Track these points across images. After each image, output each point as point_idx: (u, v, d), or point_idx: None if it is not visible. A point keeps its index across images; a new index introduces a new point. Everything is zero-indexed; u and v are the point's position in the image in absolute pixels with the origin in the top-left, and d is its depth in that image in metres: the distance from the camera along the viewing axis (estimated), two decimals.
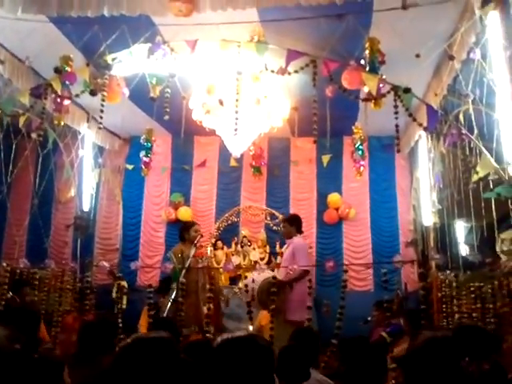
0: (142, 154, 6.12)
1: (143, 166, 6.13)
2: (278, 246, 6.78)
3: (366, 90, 4.00)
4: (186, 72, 4.48)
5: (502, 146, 3.56)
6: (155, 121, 6.19)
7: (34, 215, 6.12)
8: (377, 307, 4.77)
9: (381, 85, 3.89)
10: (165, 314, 3.99)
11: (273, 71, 3.91)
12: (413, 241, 6.41)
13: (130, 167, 7.15)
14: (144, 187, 7.35)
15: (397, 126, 3.78)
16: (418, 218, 6.34)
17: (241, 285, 6.33)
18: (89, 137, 6.40)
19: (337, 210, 6.81)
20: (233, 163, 6.85)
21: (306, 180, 7.09)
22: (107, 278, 6.38)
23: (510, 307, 3.32)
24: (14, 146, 5.20)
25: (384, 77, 3.94)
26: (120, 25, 3.88)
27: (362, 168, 5.65)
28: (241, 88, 4.05)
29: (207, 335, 4.22)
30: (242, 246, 6.85)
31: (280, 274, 4.52)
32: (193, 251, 4.46)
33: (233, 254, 6.79)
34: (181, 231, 4.85)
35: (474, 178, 3.44)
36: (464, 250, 5.52)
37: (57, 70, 4.06)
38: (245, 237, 6.89)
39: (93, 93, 4.08)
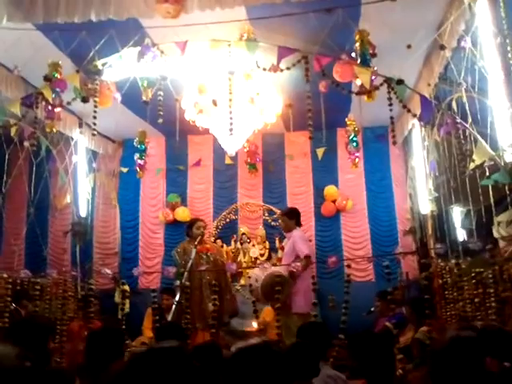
0: (136, 156, 6.10)
1: (138, 169, 6.11)
2: (277, 242, 6.80)
3: (358, 82, 4.00)
4: (178, 73, 4.46)
5: (496, 132, 3.58)
6: (147, 123, 6.18)
7: (31, 224, 6.07)
8: (379, 298, 4.82)
9: (373, 77, 3.90)
10: (170, 317, 3.99)
11: (264, 69, 3.90)
12: (411, 229, 6.45)
13: (125, 170, 7.13)
14: (140, 189, 7.32)
15: (391, 118, 3.79)
16: (415, 207, 6.39)
17: (243, 282, 6.36)
18: (82, 142, 6.36)
19: (334, 202, 6.83)
20: (228, 161, 6.85)
21: (302, 174, 7.09)
22: (108, 282, 6.37)
23: None
24: (6, 156, 5.15)
25: (376, 69, 3.95)
26: (108, 29, 3.84)
27: (357, 159, 5.67)
28: (233, 87, 4.03)
29: (212, 331, 4.25)
30: (241, 244, 6.86)
31: (282, 269, 4.53)
32: (194, 251, 4.46)
33: (233, 253, 6.78)
34: (186, 228, 4.90)
35: (471, 165, 3.46)
36: (462, 235, 5.57)
37: (46, 78, 4.02)
38: (244, 234, 6.90)
39: (85, 100, 4.05)
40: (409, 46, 3.63)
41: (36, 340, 2.67)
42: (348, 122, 5.68)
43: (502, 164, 3.28)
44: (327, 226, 6.91)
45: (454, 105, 4.10)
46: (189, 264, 4.36)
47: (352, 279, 5.89)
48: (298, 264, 3.84)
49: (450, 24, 3.66)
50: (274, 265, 4.72)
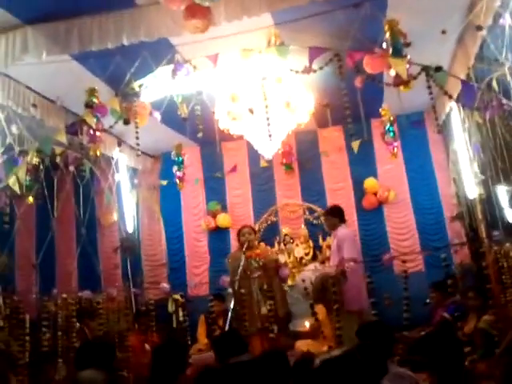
0: (175, 169, 6.26)
1: (178, 181, 6.26)
2: (320, 239, 6.77)
3: (392, 73, 3.94)
4: (210, 86, 4.53)
5: None
6: (182, 135, 6.32)
7: (83, 243, 6.32)
8: (434, 288, 4.72)
9: (407, 65, 3.84)
10: (227, 324, 4.07)
11: (297, 72, 3.90)
12: (458, 215, 6.27)
13: (165, 183, 7.28)
14: (180, 200, 7.48)
15: (434, 107, 3.71)
16: (461, 191, 6.20)
17: (290, 282, 6.38)
18: (122, 160, 6.56)
19: (375, 194, 6.73)
20: (263, 164, 6.86)
21: (339, 169, 7.03)
22: (160, 293, 6.54)
23: None
24: (55, 181, 5.39)
25: (409, 57, 3.88)
26: (141, 51, 3.95)
27: (395, 149, 5.58)
28: (266, 92, 4.06)
29: (270, 335, 4.30)
30: (285, 245, 6.87)
31: (332, 268, 4.53)
32: (242, 257, 4.53)
33: (277, 254, 6.81)
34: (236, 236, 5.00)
35: None
36: (510, 214, 5.38)
37: (88, 105, 4.18)
38: (286, 235, 6.91)
39: (126, 122, 4.18)
40: (443, 32, 3.54)
41: (104, 359, 2.80)
42: (383, 113, 5.59)
43: None
44: (370, 219, 6.81)
45: (494, 84, 3.98)
46: (238, 270, 4.43)
47: (401, 271, 5.86)
48: (352, 264, 3.82)
49: (484, 2, 3.54)
50: (323, 263, 4.70)
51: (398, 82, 3.74)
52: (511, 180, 4.59)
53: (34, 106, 4.32)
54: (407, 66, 3.80)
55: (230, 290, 4.34)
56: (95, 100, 4.40)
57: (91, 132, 4.50)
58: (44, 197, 5.33)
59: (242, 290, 4.09)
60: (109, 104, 4.22)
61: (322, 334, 4.28)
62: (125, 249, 6.63)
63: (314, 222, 6.93)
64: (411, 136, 6.73)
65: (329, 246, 6.06)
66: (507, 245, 4.42)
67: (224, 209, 7.32)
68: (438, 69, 3.62)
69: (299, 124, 5.40)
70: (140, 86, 4.12)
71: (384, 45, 3.94)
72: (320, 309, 5.19)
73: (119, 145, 5.98)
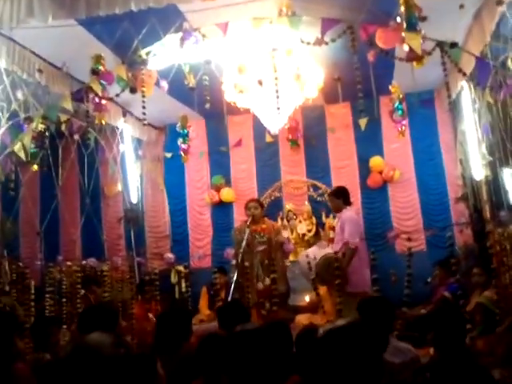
0: (180, 141, 6.20)
1: (182, 153, 6.22)
2: (324, 217, 6.78)
3: (405, 48, 3.85)
4: (219, 56, 4.44)
5: None
6: (187, 106, 6.23)
7: (86, 213, 6.34)
8: (439, 266, 4.75)
9: (421, 40, 3.74)
10: (230, 295, 4.12)
11: (309, 43, 3.81)
12: (463, 196, 6.25)
13: (169, 155, 7.26)
14: (185, 173, 7.46)
15: (447, 83, 3.64)
16: (467, 172, 6.17)
17: (291, 258, 6.42)
18: (127, 131, 6.52)
19: (380, 173, 6.70)
20: (269, 139, 6.81)
21: (345, 146, 6.97)
22: (163, 263, 6.60)
23: None
24: (60, 150, 5.37)
25: (423, 32, 3.78)
26: (149, 18, 3.85)
27: (403, 128, 5.51)
28: (276, 64, 3.98)
29: (262, 311, 4.36)
30: (288, 221, 6.88)
31: (334, 248, 4.53)
32: (247, 231, 4.54)
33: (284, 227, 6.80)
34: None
35: None
36: None
37: (94, 72, 4.11)
38: (290, 211, 6.91)
39: (133, 90, 4.12)
40: (461, 6, 3.43)
41: (108, 324, 2.84)
42: (392, 90, 5.50)
43: None
44: (374, 198, 6.80)
45: (509, 63, 3.89)
46: (243, 244, 4.45)
47: (403, 250, 5.89)
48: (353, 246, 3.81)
49: None
50: (332, 241, 4.68)
51: (411, 57, 3.65)
52: None
53: (40, 71, 4.25)
54: (421, 41, 3.71)
55: (233, 263, 4.37)
56: (101, 67, 4.33)
57: (97, 100, 4.45)
58: (49, 165, 5.32)
59: (246, 263, 4.11)
60: (115, 71, 4.14)
61: (322, 309, 4.32)
62: (128, 219, 6.66)
63: (318, 199, 6.92)
64: (419, 115, 6.64)
65: (332, 228, 6.05)
66: (511, 227, 4.42)
67: (228, 183, 7.31)
68: (454, 45, 3.53)
69: (307, 99, 5.32)
70: (147, 54, 4.04)
71: (398, 19, 3.84)
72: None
73: (124, 115, 5.92)
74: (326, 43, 3.77)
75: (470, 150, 5.94)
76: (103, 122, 4.69)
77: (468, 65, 4.32)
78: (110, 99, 4.32)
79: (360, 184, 6.84)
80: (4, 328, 2.30)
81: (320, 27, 3.75)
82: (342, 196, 4.72)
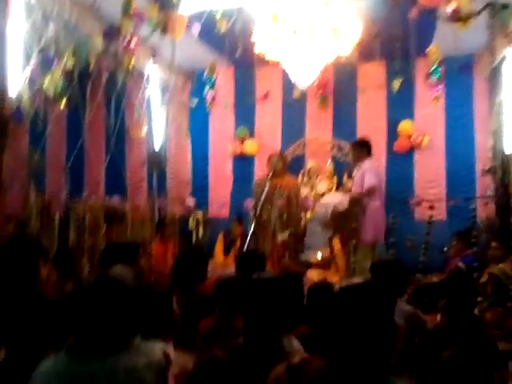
0: (207, 88, 6.14)
1: (208, 101, 6.16)
2: (345, 177, 6.73)
3: (450, 8, 3.62)
4: (253, 2, 4.27)
5: None
6: (216, 53, 6.09)
7: (111, 154, 6.43)
8: (458, 236, 4.73)
9: None
10: (245, 246, 4.21)
11: None
12: (491, 169, 6.07)
13: (195, 102, 7.19)
14: (209, 122, 7.42)
15: (492, 48, 3.44)
16: (498, 145, 5.96)
17: (308, 215, 6.45)
18: (154, 75, 6.45)
19: (409, 138, 6.53)
20: (296, 94, 6.67)
21: (375, 108, 6.76)
22: (183, 209, 6.73)
23: None
24: (88, 90, 5.37)
25: None
26: None
27: (439, 92, 5.31)
28: (312, 15, 3.81)
29: (282, 261, 4.45)
30: (309, 178, 6.86)
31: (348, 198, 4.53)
32: (267, 184, 4.56)
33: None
34: None
35: None
36: None
37: (125, 11, 4.02)
38: (311, 168, 6.87)
39: (164, 31, 4.04)
40: None
41: (129, 259, 2.95)
42: (431, 52, 5.25)
43: None
44: (399, 163, 6.66)
45: None
46: (262, 197, 4.48)
47: (422, 218, 5.85)
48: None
49: None
50: (350, 190, 4.69)
51: (456, 17, 3.44)
52: None
53: (71, 6, 4.17)
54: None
55: (251, 214, 4.43)
56: (133, 7, 4.23)
57: (126, 41, 4.39)
58: (76, 103, 5.34)
59: (264, 216, 4.16)
60: (147, 11, 4.05)
61: (335, 265, 4.39)
62: (152, 163, 6.74)
63: (342, 159, 6.84)
64: (456, 81, 6.35)
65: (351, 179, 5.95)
66: None
67: (252, 135, 7.26)
68: (506, 6, 3.30)
69: (340, 56, 5.13)
70: None
71: None
72: (335, 242, 5.31)
73: (153, 55, 5.82)
74: None
75: (504, 123, 5.71)
76: (131, 64, 4.63)
77: None
78: (141, 40, 4.24)
79: (386, 147, 6.70)
80: (29, 254, 2.42)
81: None
82: (365, 147, 4.69)
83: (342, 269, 4.38)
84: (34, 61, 4.15)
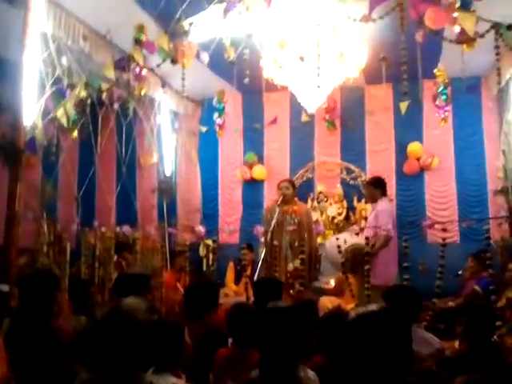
0: (216, 115, 6.21)
1: (217, 128, 6.23)
2: (355, 201, 6.69)
3: (456, 29, 3.66)
4: (261, 29, 4.37)
5: None
6: (224, 80, 6.19)
7: (122, 181, 6.49)
8: (474, 258, 4.63)
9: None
10: (256, 274, 4.16)
11: (355, 20, 3.68)
12: (503, 189, 6.01)
13: (204, 129, 7.28)
14: (218, 148, 7.48)
15: (498, 68, 3.45)
16: (509, 165, 5.91)
17: (319, 240, 6.39)
18: (164, 103, 6.56)
19: (418, 159, 6.51)
20: (304, 118, 6.71)
21: (383, 130, 6.79)
22: (193, 236, 6.71)
23: None
24: (100, 118, 5.47)
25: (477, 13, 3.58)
26: None
27: (446, 113, 5.31)
28: (319, 41, 3.88)
29: (290, 291, 4.38)
30: (318, 202, 6.84)
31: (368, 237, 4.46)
32: (277, 210, 4.54)
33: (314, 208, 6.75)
34: None
35: None
36: None
37: (136, 41, 4.13)
38: (321, 192, 6.86)
39: (173, 61, 4.12)
40: None
41: (141, 290, 2.92)
42: (438, 73, 5.28)
43: None
44: (409, 185, 6.64)
45: None
46: (272, 223, 4.45)
47: (435, 240, 5.76)
48: (384, 232, 3.75)
49: None
50: (357, 234, 4.63)
51: (462, 39, 3.47)
52: None
53: (84, 38, 4.30)
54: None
55: (262, 240, 4.39)
56: (144, 37, 4.34)
57: (138, 70, 4.48)
58: (88, 132, 5.43)
59: (275, 242, 4.12)
60: (157, 41, 4.15)
61: (350, 293, 4.30)
62: (162, 191, 6.78)
63: (351, 182, 6.82)
64: (464, 101, 6.37)
65: (365, 218, 5.92)
66: None
67: (261, 161, 7.29)
68: (511, 27, 3.32)
69: (347, 78, 5.18)
70: (190, 25, 4.01)
71: None
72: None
73: (163, 86, 5.95)
74: (374, 20, 3.63)
75: None
76: (142, 93, 4.72)
77: None
78: (151, 69, 4.33)
79: (396, 170, 6.68)
80: (45, 286, 2.41)
81: (368, 3, 3.60)
82: (379, 186, 4.62)
83: (356, 296, 4.29)
84: (48, 91, 4.25)
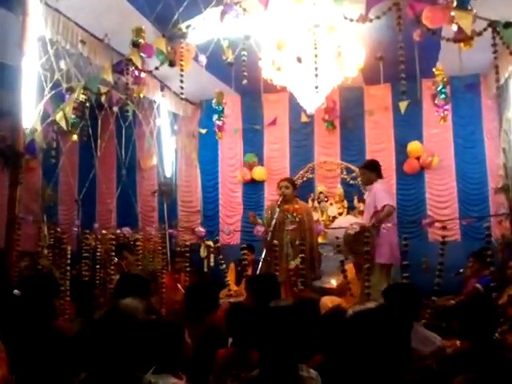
0: (215, 117, 6.21)
1: (217, 130, 6.23)
2: (355, 201, 6.69)
3: (454, 28, 3.67)
4: (258, 32, 4.38)
5: None
6: (223, 82, 6.20)
7: (122, 184, 6.50)
8: (474, 257, 4.62)
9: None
10: (257, 273, 4.16)
11: (352, 20, 3.69)
12: (503, 187, 6.00)
13: (204, 131, 7.29)
14: (218, 150, 7.50)
15: (496, 66, 3.45)
16: (510, 163, 5.91)
17: (321, 240, 6.38)
18: (164, 105, 6.58)
19: (418, 158, 6.51)
20: (304, 119, 6.73)
21: (383, 130, 6.79)
22: (193, 237, 6.72)
23: None
24: (99, 121, 5.49)
25: (474, 11, 3.59)
26: None
27: (445, 113, 5.31)
28: (316, 41, 3.88)
29: (294, 289, 4.37)
30: (319, 202, 6.84)
31: (365, 218, 4.47)
32: (277, 210, 4.54)
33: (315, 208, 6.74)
34: None
35: None
36: None
37: (134, 44, 4.14)
38: (321, 193, 6.86)
39: (172, 64, 4.14)
40: None
41: (141, 291, 2.93)
42: (436, 72, 5.28)
43: None
44: (410, 184, 6.64)
45: None
46: (272, 222, 4.46)
47: (436, 239, 5.75)
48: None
49: None
50: (362, 213, 4.61)
51: (460, 37, 3.47)
52: None
53: (82, 42, 4.32)
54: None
55: (262, 241, 4.40)
56: (142, 40, 4.35)
57: (136, 73, 4.50)
58: (88, 135, 5.45)
59: (275, 242, 4.13)
60: (155, 44, 4.16)
61: (349, 292, 4.29)
62: (162, 193, 6.79)
63: (351, 182, 6.83)
64: (463, 100, 6.38)
65: (365, 202, 5.91)
66: None
67: (260, 161, 7.30)
68: (508, 25, 3.32)
69: (346, 78, 5.18)
70: (187, 27, 4.02)
71: None
72: (349, 268, 5.20)
73: (162, 89, 5.96)
74: (371, 20, 3.64)
75: None
76: (141, 95, 4.74)
77: None
78: (149, 72, 4.36)
79: (396, 169, 6.69)
80: (44, 289, 2.42)
81: (364, 3, 3.61)
82: (374, 169, 4.60)
83: (356, 295, 4.28)
84: (47, 94, 4.27)
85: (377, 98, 6.72)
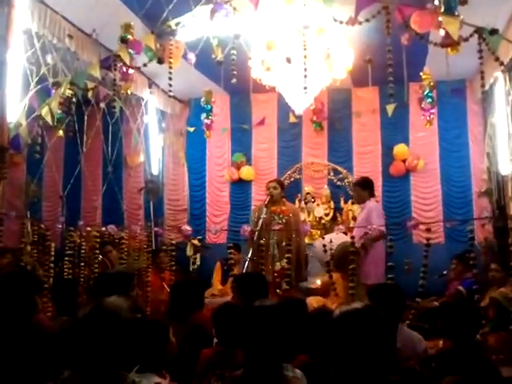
0: (203, 116, 6.19)
1: (205, 129, 6.21)
2: (342, 202, 6.74)
3: (442, 33, 3.72)
4: (247, 31, 4.37)
5: None
6: (212, 81, 6.19)
7: (108, 181, 6.43)
8: (458, 259, 4.69)
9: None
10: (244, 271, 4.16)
11: (341, 22, 3.71)
12: (487, 190, 6.11)
13: (192, 130, 7.25)
14: (206, 149, 7.48)
15: (482, 72, 3.51)
16: (493, 167, 6.01)
17: (307, 240, 6.41)
18: (152, 102, 6.53)
19: (404, 161, 6.58)
20: (292, 119, 6.73)
21: (370, 132, 6.86)
22: (179, 236, 6.69)
23: None
24: (86, 117, 5.42)
25: (462, 17, 3.64)
26: None
27: (431, 116, 5.38)
28: (306, 42, 3.90)
29: (277, 290, 4.38)
30: (305, 203, 6.87)
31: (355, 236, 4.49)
32: (264, 210, 4.55)
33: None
34: None
35: None
36: None
37: (123, 40, 4.10)
38: (308, 193, 6.89)
39: (160, 61, 4.11)
40: None
41: (122, 289, 2.90)
42: (423, 76, 5.34)
43: None
44: (395, 187, 6.72)
45: None
46: (259, 222, 4.46)
47: (420, 241, 5.82)
48: (375, 226, 3.79)
49: None
50: (345, 233, 4.65)
51: (447, 42, 3.52)
52: None
53: (70, 36, 4.26)
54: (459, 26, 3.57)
55: (248, 241, 4.39)
56: (130, 36, 4.31)
57: (124, 69, 4.46)
58: (74, 131, 5.38)
59: (262, 241, 4.13)
60: (144, 41, 4.13)
61: (334, 291, 4.32)
62: (148, 190, 6.74)
63: (338, 183, 6.88)
64: (449, 104, 6.47)
65: (355, 219, 5.96)
66: None
67: (248, 161, 7.30)
68: (493, 32, 3.38)
69: (335, 80, 5.21)
70: (177, 25, 4.00)
71: (436, 1, 3.70)
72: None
73: (150, 86, 5.92)
74: (360, 23, 3.66)
75: (498, 144, 5.78)
76: (129, 92, 4.69)
77: (505, 54, 4.15)
78: (137, 69, 4.32)
79: (382, 171, 6.76)
80: (25, 287, 2.37)
81: (354, 6, 3.64)
82: (367, 187, 4.66)
83: (341, 295, 4.31)
84: (32, 89, 4.20)
85: (365, 101, 6.78)
